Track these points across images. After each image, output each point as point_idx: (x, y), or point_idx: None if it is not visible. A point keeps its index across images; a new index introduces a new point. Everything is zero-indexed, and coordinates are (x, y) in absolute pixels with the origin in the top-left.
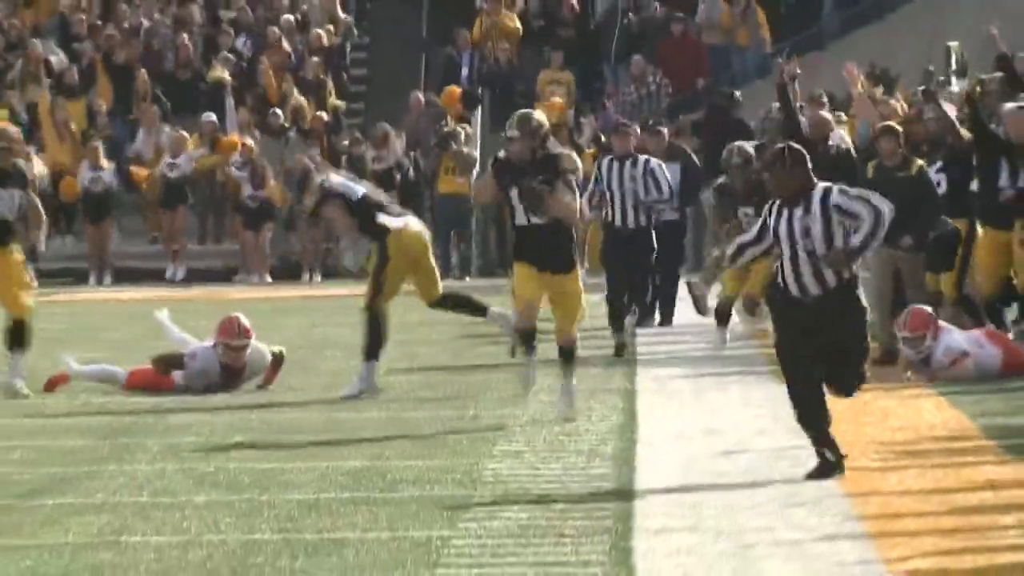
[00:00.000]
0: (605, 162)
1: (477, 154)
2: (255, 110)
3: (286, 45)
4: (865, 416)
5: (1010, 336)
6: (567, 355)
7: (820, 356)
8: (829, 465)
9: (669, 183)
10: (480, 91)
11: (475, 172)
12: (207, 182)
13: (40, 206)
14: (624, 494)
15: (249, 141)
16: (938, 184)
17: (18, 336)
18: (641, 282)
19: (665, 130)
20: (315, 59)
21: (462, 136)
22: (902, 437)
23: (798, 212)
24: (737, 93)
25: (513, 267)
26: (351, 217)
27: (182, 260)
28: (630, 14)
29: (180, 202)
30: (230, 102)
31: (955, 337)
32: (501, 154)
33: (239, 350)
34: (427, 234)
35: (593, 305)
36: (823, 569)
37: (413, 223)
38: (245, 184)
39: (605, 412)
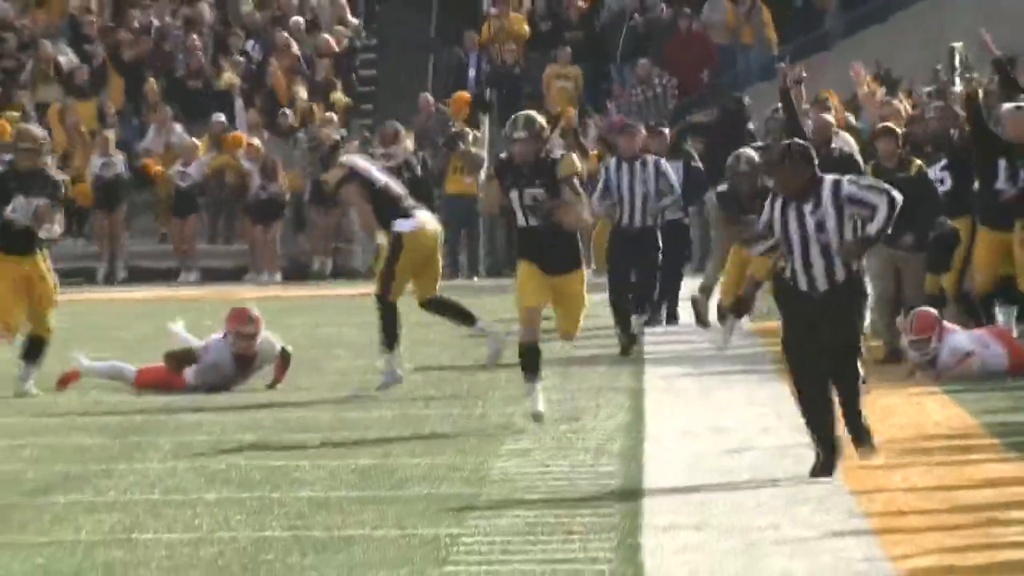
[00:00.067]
0: (612, 163)
1: (485, 154)
2: (264, 111)
3: (295, 49)
4: (869, 414)
5: (1014, 335)
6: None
7: (826, 351)
8: (828, 464)
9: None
10: (488, 92)
11: (483, 172)
12: (217, 182)
13: (59, 213)
14: (631, 492)
15: (256, 141)
16: (941, 182)
17: (35, 350)
18: (647, 281)
19: (667, 131)
20: (324, 60)
21: (470, 136)
22: (906, 435)
23: (808, 207)
24: (746, 98)
25: (517, 266)
26: (368, 203)
27: (194, 265)
28: (636, 15)
29: (191, 210)
30: (239, 103)
31: (960, 338)
32: (501, 156)
33: (251, 338)
34: (441, 233)
35: (597, 304)
36: (828, 565)
37: (430, 221)
38: (255, 177)
39: (612, 410)
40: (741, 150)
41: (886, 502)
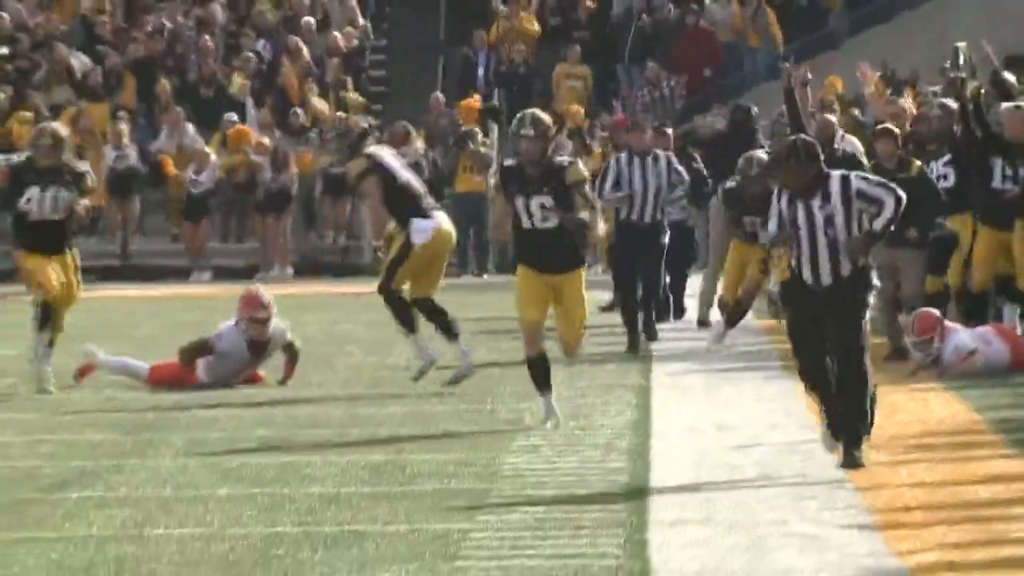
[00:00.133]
0: (624, 157)
1: (494, 153)
2: (275, 110)
3: (306, 54)
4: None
5: (1018, 332)
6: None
7: (831, 349)
8: (851, 460)
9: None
10: (497, 92)
11: (492, 170)
12: (229, 182)
13: (82, 211)
14: (639, 487)
15: (266, 140)
16: (945, 178)
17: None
18: (654, 275)
19: (671, 131)
20: (335, 60)
21: (479, 136)
22: (911, 431)
23: (816, 202)
24: (754, 109)
25: (517, 272)
26: (384, 199)
27: (206, 265)
28: (644, 15)
29: (203, 215)
30: (250, 102)
31: (963, 336)
32: (506, 163)
33: (264, 323)
34: (454, 236)
35: (603, 302)
36: (834, 560)
37: (445, 223)
38: (266, 169)
39: (620, 407)
40: (752, 152)
41: (891, 498)
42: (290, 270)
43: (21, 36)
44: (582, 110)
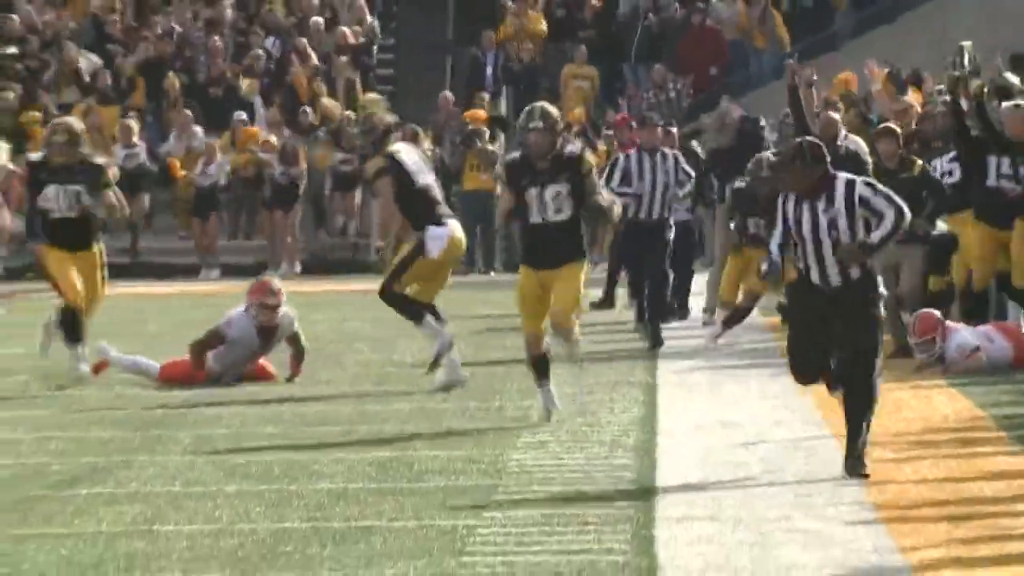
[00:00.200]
0: (634, 155)
1: (501, 151)
2: (285, 108)
3: (314, 58)
4: (879, 407)
5: (1023, 330)
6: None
7: (834, 345)
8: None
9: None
10: (504, 90)
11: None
12: (237, 179)
13: (113, 199)
14: (646, 484)
15: (273, 138)
16: (950, 174)
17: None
18: (660, 274)
19: (675, 130)
20: (343, 58)
21: (486, 134)
22: (916, 428)
23: (821, 205)
24: (763, 122)
25: (520, 274)
26: (399, 201)
27: (215, 263)
28: (650, 14)
29: (211, 209)
30: (258, 100)
31: (965, 334)
32: (510, 157)
33: (273, 309)
34: (464, 245)
35: (595, 298)
36: (839, 556)
37: (457, 231)
38: (275, 163)
39: (627, 404)
40: (762, 154)
41: (896, 494)
42: (298, 267)
43: (31, 36)
44: (584, 113)
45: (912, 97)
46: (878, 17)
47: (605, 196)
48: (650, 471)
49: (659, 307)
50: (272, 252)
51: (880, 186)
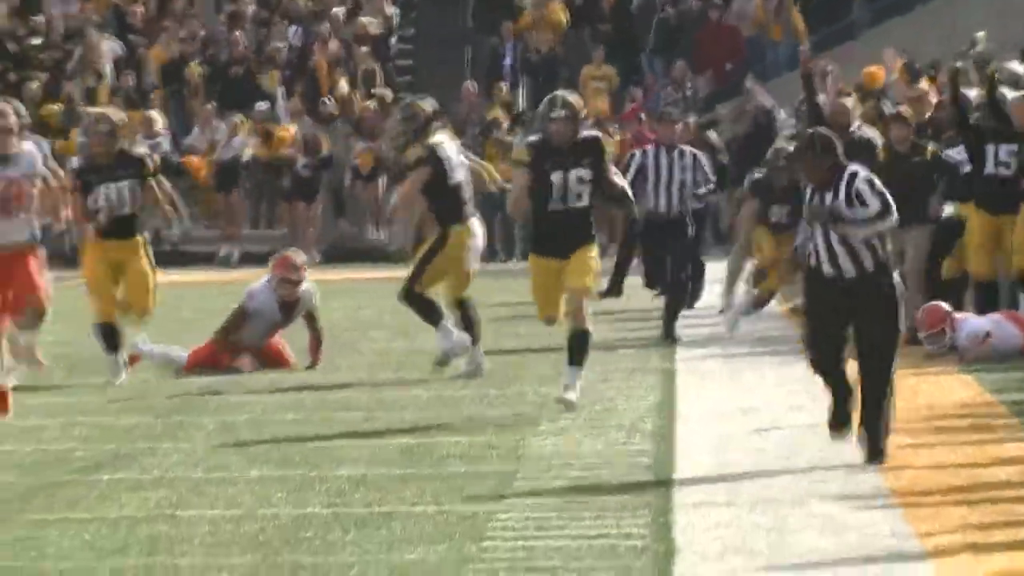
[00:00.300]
0: (651, 150)
1: (518, 141)
2: (305, 97)
3: (333, 44)
4: (894, 397)
5: None
6: (577, 345)
7: (856, 340)
8: (839, 416)
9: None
10: (522, 80)
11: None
12: (259, 165)
13: (159, 187)
14: (663, 470)
15: (293, 129)
16: (965, 163)
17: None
18: (680, 266)
19: (692, 120)
20: (364, 49)
21: (504, 124)
22: (930, 414)
23: (828, 196)
24: (780, 113)
25: (529, 264)
26: (428, 192)
27: (237, 241)
28: (667, 6)
29: (234, 184)
30: (280, 90)
31: (974, 322)
32: (532, 139)
33: (295, 284)
34: (483, 241)
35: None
36: (856, 541)
37: (478, 228)
38: (299, 155)
39: (644, 391)
40: (780, 144)
41: (911, 480)
42: (316, 256)
43: (54, 26)
44: (604, 106)
45: (927, 85)
46: (894, 7)
47: (620, 181)
48: (668, 457)
49: (677, 306)
50: (293, 241)
51: (879, 184)
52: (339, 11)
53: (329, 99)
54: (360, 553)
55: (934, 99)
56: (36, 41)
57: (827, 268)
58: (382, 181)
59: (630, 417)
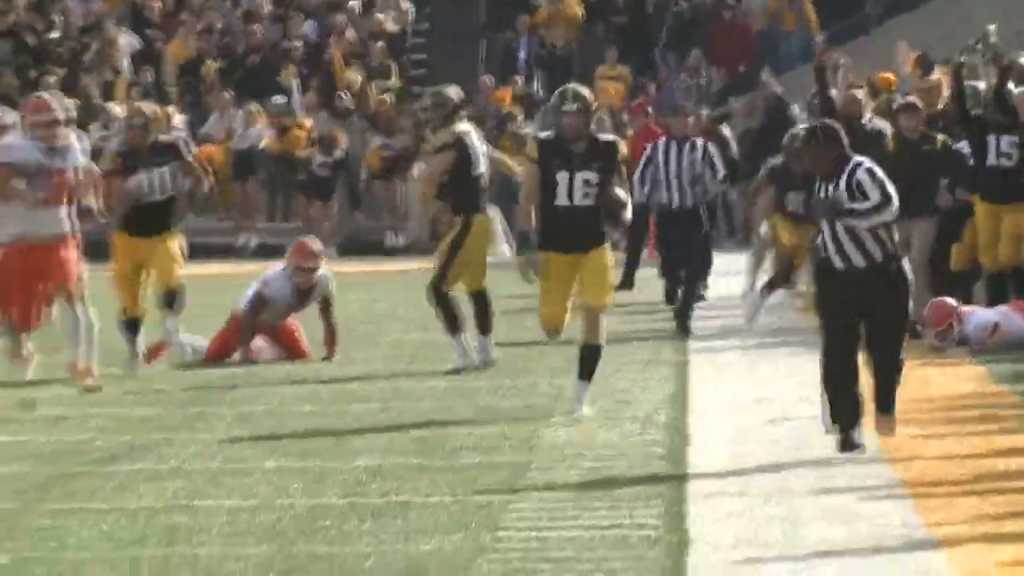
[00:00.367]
0: (661, 144)
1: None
2: (321, 91)
3: (350, 33)
4: (905, 384)
5: None
6: (589, 357)
7: (864, 328)
8: (849, 441)
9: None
10: (536, 75)
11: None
12: (276, 158)
13: (193, 165)
14: (677, 461)
15: (308, 123)
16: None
17: (171, 299)
18: (694, 259)
19: (704, 113)
20: (379, 44)
21: (519, 117)
22: (941, 405)
23: (832, 187)
24: (795, 107)
25: (541, 258)
26: (450, 180)
27: (254, 230)
28: (681, 1)
29: (250, 173)
30: (295, 84)
31: (981, 314)
32: (545, 135)
33: (310, 272)
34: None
35: (640, 280)
36: (867, 531)
37: (494, 212)
38: (316, 153)
39: (658, 383)
40: (797, 129)
41: (923, 470)
42: (333, 251)
43: (72, 20)
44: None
45: (940, 76)
46: (905, 3)
47: (622, 193)
48: (681, 448)
49: (690, 299)
50: (308, 232)
51: (880, 174)
52: (355, 4)
53: (345, 94)
54: (376, 543)
55: (946, 91)
56: (54, 35)
57: (837, 261)
58: (399, 183)
59: (644, 409)
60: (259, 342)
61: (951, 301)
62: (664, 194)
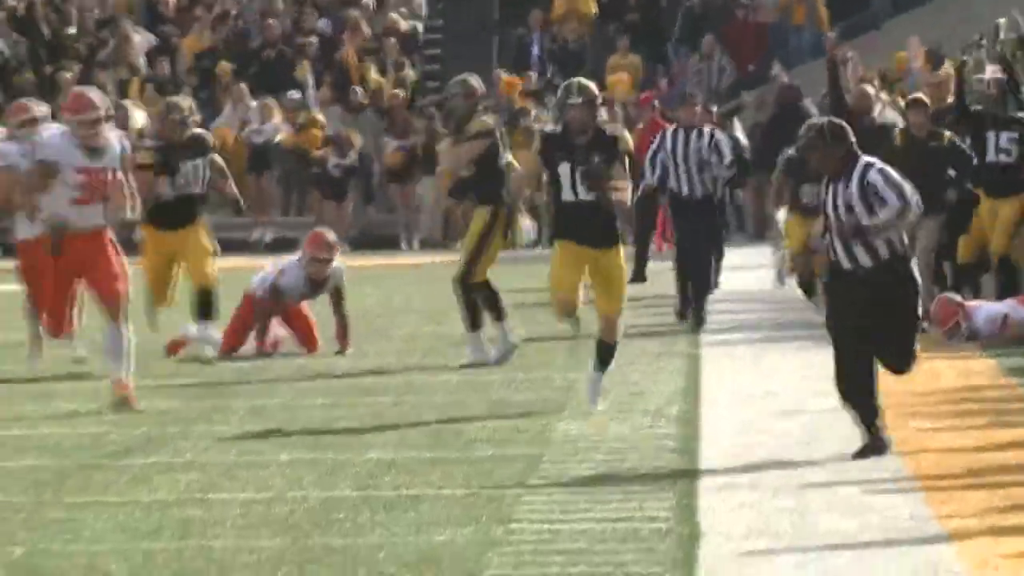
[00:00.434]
0: (670, 132)
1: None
2: (335, 87)
3: (365, 28)
4: (915, 377)
5: None
6: (605, 352)
7: (874, 328)
8: (878, 442)
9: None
10: (549, 70)
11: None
12: (291, 153)
13: (223, 165)
14: (688, 453)
15: (321, 117)
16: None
17: (205, 305)
18: (705, 250)
19: (715, 107)
20: (392, 40)
21: (532, 112)
22: (951, 398)
23: (841, 187)
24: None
25: (554, 247)
26: (478, 168)
27: (269, 224)
28: None
29: (266, 167)
30: (309, 80)
31: (989, 307)
32: (549, 129)
33: (325, 263)
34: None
35: (652, 273)
36: (876, 523)
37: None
38: (330, 154)
39: (670, 375)
40: (812, 121)
41: (932, 463)
42: (345, 245)
43: (87, 15)
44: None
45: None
46: None
47: (620, 183)
48: (693, 440)
49: (703, 289)
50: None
51: (894, 175)
52: (369, 1)
53: (359, 89)
54: (388, 535)
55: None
56: (70, 31)
57: (845, 263)
58: (417, 184)
59: (656, 401)
60: (276, 333)
61: (955, 298)
62: (673, 182)
